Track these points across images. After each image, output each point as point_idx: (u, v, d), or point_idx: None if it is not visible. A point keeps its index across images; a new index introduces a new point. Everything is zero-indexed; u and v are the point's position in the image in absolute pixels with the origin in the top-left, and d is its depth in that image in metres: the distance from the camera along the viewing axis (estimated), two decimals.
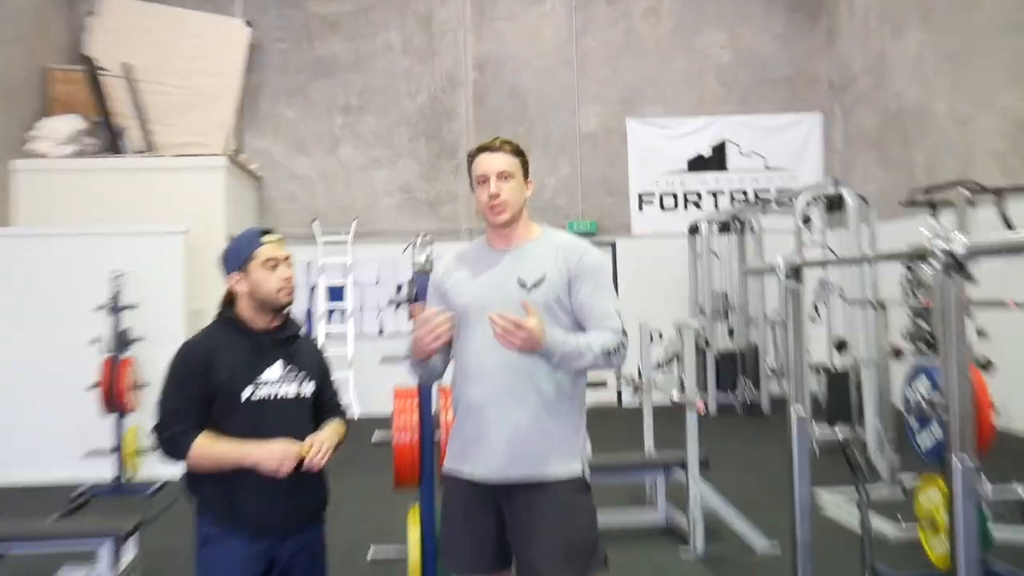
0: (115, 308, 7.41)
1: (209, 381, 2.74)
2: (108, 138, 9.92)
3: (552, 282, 2.72)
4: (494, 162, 2.76)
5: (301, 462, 2.76)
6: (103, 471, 7.37)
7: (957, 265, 2.30)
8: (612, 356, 2.63)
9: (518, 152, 2.82)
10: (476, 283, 2.78)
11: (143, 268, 7.93)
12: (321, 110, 11.76)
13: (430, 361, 2.81)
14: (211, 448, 2.71)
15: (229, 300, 2.93)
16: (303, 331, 3.04)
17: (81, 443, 7.45)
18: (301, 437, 2.77)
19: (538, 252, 2.79)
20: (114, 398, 7.14)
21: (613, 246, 11.79)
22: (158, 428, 2.75)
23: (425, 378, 2.85)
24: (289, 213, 11.59)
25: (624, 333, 2.69)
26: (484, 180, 2.76)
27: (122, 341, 7.37)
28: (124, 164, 9.62)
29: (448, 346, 2.82)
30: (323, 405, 2.99)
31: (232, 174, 10.09)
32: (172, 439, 2.72)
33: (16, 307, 7.99)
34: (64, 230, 8.23)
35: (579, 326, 2.73)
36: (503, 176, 2.75)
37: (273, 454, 2.70)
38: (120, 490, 7.14)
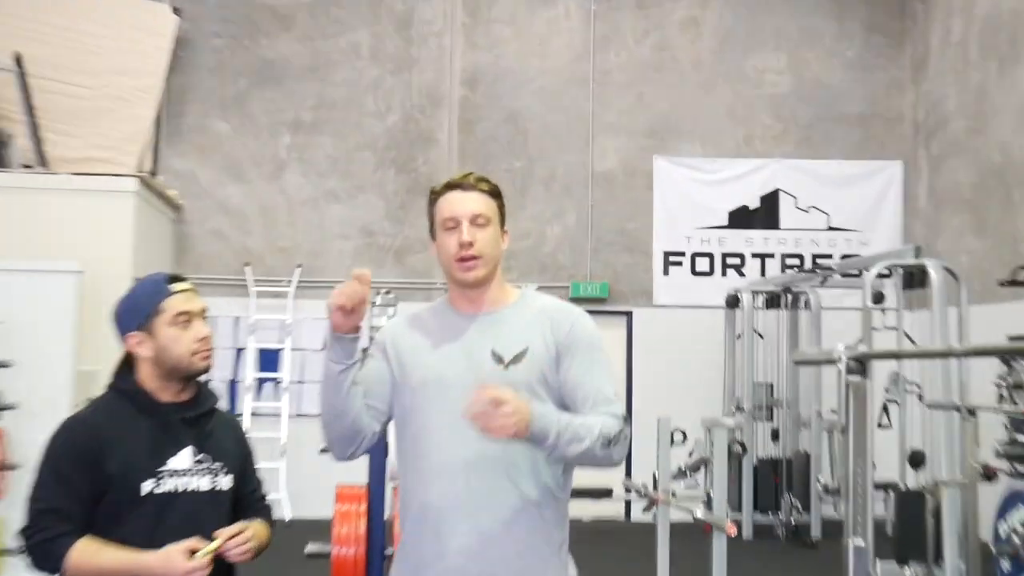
0: None
1: (98, 472, 2.72)
2: None
3: (536, 356, 2.76)
4: (467, 203, 2.80)
5: (217, 560, 2.75)
6: None
7: None
8: (613, 447, 2.65)
9: (496, 193, 2.86)
10: (438, 354, 2.81)
11: (22, 316, 7.92)
12: (263, 126, 11.89)
13: (350, 371, 2.76)
14: (95, 557, 2.69)
15: (126, 366, 2.94)
16: (221, 406, 3.06)
17: None
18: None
19: (517, 319, 2.83)
20: None
21: (628, 317, 11.84)
22: (27, 530, 2.73)
23: (339, 409, 2.78)
24: (215, 254, 11.67)
25: (626, 420, 2.72)
26: (453, 225, 2.79)
27: None
28: (5, 181, 9.69)
29: (380, 409, 2.85)
30: (243, 501, 3.00)
31: (144, 201, 10.21)
32: (44, 545, 2.70)
33: None
34: None
35: (558, 400, 2.76)
36: (478, 221, 2.79)
37: (172, 564, 2.67)
38: None
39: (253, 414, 11.05)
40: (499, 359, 2.75)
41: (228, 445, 2.98)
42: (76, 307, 8.15)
